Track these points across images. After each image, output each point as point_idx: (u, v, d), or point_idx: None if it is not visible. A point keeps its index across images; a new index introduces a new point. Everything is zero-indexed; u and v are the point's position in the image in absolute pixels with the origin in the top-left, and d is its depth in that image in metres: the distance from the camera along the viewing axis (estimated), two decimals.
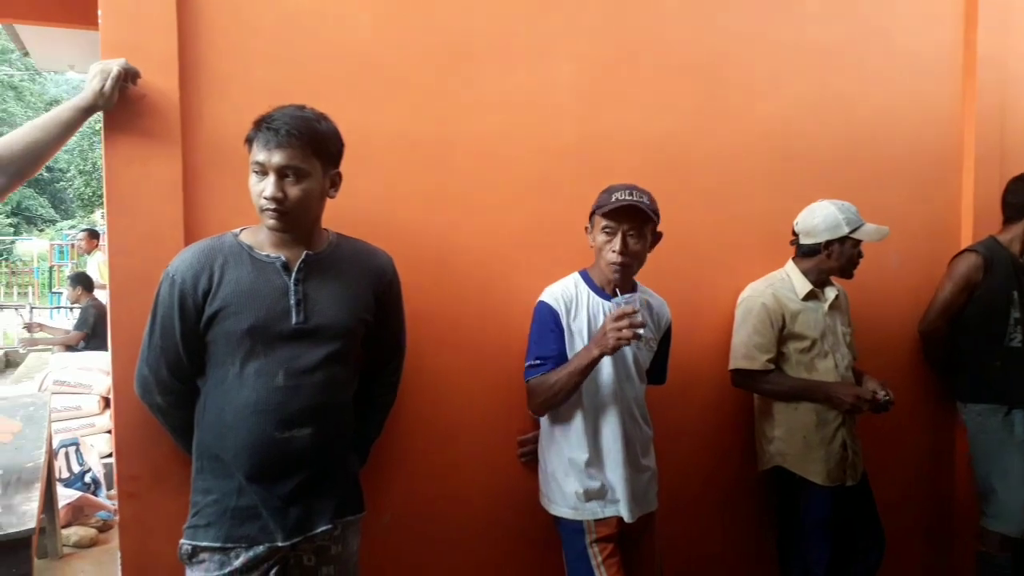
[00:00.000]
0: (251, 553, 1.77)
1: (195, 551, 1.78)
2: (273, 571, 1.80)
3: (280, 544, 1.78)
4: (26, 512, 2.09)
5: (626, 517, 2.19)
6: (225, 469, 1.79)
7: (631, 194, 2.12)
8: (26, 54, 10.01)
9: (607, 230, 2.15)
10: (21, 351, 6.57)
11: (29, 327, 7.37)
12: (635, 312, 2.02)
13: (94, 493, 4.24)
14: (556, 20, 2.47)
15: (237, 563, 1.77)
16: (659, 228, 2.20)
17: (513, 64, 2.41)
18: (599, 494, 2.20)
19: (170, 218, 1.96)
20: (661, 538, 2.36)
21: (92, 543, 3.88)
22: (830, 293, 2.70)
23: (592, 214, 2.21)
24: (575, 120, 2.50)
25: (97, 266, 8.53)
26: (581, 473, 2.20)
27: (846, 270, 2.66)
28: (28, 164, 1.79)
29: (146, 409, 1.88)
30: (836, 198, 2.65)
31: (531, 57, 2.43)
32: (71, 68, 11.69)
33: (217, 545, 1.77)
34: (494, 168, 2.40)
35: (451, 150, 2.34)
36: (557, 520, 2.27)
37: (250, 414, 1.75)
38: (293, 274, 1.81)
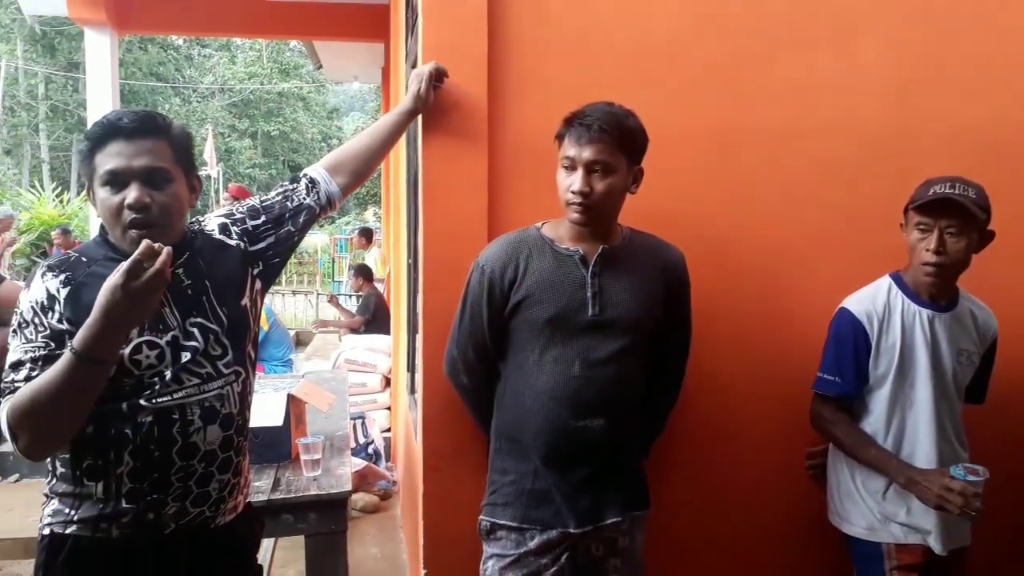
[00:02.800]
0: (545, 536, 1.83)
1: (493, 528, 1.88)
2: (564, 556, 1.85)
3: (572, 531, 1.83)
4: (342, 475, 2.34)
5: (936, 549, 1.98)
6: (522, 451, 1.87)
7: (952, 187, 1.90)
8: (319, 67, 11.33)
9: (921, 227, 1.95)
10: (314, 332, 7.39)
11: (331, 299, 8.30)
12: (976, 496, 1.85)
13: (375, 463, 4.66)
14: None
15: (532, 544, 1.83)
16: (990, 227, 1.96)
17: (814, 47, 2.27)
18: (903, 519, 2.00)
19: (476, 212, 2.08)
20: None
21: (375, 509, 4.27)
22: None
23: (906, 209, 2.02)
24: (881, 106, 2.30)
25: (375, 260, 9.40)
26: (880, 496, 2.02)
27: None
28: (363, 166, 1.99)
29: (451, 389, 2.02)
30: None
31: (835, 38, 2.27)
32: (355, 79, 13.03)
33: (514, 524, 1.85)
34: (788, 159, 2.28)
35: (743, 140, 2.25)
36: (849, 540, 2.10)
37: (547, 400, 1.82)
38: (590, 267, 1.84)
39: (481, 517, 1.91)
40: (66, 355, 1.34)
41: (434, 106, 2.04)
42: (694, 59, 2.22)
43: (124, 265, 1.31)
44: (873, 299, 2.04)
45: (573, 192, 1.78)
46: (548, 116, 1.94)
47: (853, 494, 2.08)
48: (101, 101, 7.14)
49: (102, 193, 1.49)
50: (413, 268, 3.84)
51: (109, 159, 1.48)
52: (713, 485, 2.29)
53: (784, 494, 2.32)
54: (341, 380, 3.81)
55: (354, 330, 7.06)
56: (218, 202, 10.79)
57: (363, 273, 7.77)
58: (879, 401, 2.04)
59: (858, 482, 2.07)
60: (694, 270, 2.04)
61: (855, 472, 2.08)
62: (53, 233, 9.65)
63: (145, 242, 1.33)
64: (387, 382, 5.44)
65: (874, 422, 2.05)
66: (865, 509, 2.05)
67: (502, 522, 1.87)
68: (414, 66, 3.48)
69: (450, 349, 1.98)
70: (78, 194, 16.84)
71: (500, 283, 1.86)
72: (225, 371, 1.59)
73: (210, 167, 13.10)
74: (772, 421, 2.30)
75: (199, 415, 1.53)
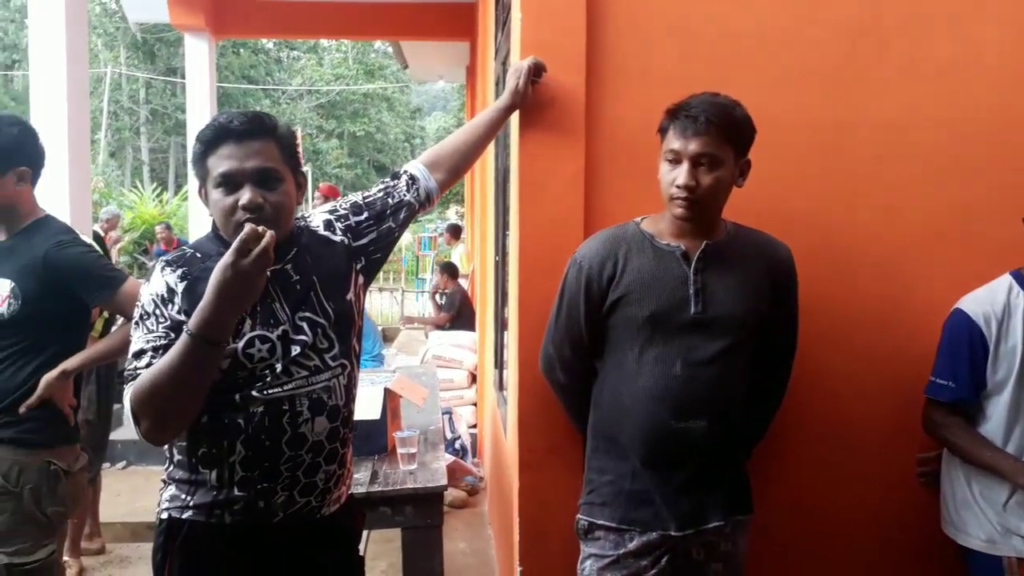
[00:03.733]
0: (644, 538, 1.80)
1: (591, 527, 1.86)
2: (664, 559, 1.81)
3: (672, 533, 1.79)
4: (437, 470, 2.36)
5: None
6: (620, 451, 1.84)
7: None
8: (405, 67, 11.52)
9: None
10: (402, 328, 7.51)
11: (406, 320, 8.51)
12: None
13: (462, 459, 4.70)
14: None
15: (631, 545, 1.80)
16: None
17: (929, 34, 2.15)
18: None
19: (573, 208, 2.06)
20: None
21: (463, 504, 4.31)
22: None
23: None
24: (998, 94, 2.17)
25: (459, 257, 9.51)
26: (1001, 507, 1.91)
27: None
28: (460, 162, 2.01)
29: (546, 386, 2.01)
30: None
31: (951, 24, 2.15)
32: (440, 78, 13.19)
33: (613, 525, 1.82)
34: (900, 151, 2.17)
35: (853, 132, 2.15)
36: (965, 552, 1.99)
37: (647, 400, 1.78)
38: (692, 263, 1.80)
39: (579, 516, 1.89)
40: (183, 338, 1.40)
41: (531, 101, 2.03)
42: (803, 48, 2.14)
43: (232, 247, 1.35)
44: (991, 300, 1.93)
45: (678, 186, 1.73)
46: (648, 109, 1.91)
47: (970, 503, 1.97)
48: (200, 103, 7.44)
49: (216, 195, 1.53)
50: (502, 265, 3.85)
51: (222, 162, 1.52)
52: (819, 490, 2.20)
53: (894, 500, 2.21)
54: (431, 375, 3.85)
55: (439, 326, 7.16)
56: (308, 201, 11.11)
57: (448, 270, 7.86)
58: (998, 407, 1.93)
59: (975, 491, 1.96)
60: (801, 266, 1.97)
61: (972, 480, 1.97)
62: (157, 228, 10.15)
63: (249, 225, 1.37)
64: (473, 378, 5.49)
65: (993, 429, 1.94)
66: (984, 520, 1.94)
67: (600, 522, 1.84)
68: (505, 63, 3.49)
69: (546, 346, 1.97)
70: (176, 193, 17.63)
71: (598, 280, 1.83)
72: (332, 364, 1.62)
73: None
74: (882, 423, 2.19)
75: (307, 406, 1.57)
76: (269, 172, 1.54)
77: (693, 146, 1.71)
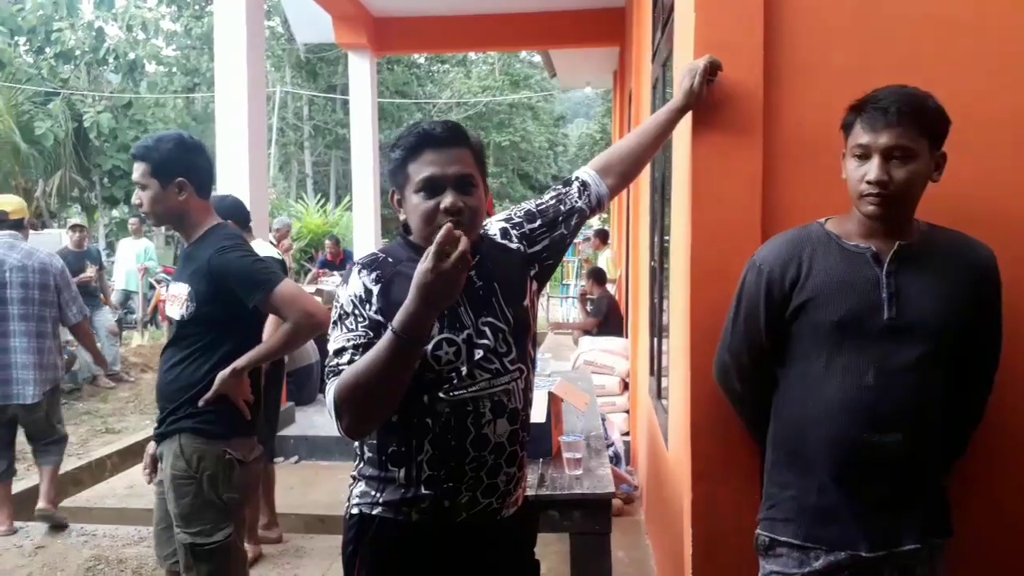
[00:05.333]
0: (831, 557, 1.70)
1: (772, 544, 1.78)
2: None
3: (863, 554, 1.68)
4: (604, 476, 2.34)
5: None
6: (804, 465, 1.75)
7: None
8: (553, 76, 11.63)
9: None
10: (550, 333, 7.56)
11: (554, 325, 8.57)
12: None
13: (615, 466, 4.65)
14: None
15: (817, 564, 1.71)
16: None
17: None
18: None
19: (749, 210, 2.00)
20: None
21: (618, 512, 4.25)
22: None
23: None
24: None
25: (606, 262, 9.46)
26: None
27: None
28: (631, 167, 2.00)
29: (719, 394, 1.95)
30: None
31: None
32: (588, 85, 13.22)
33: (796, 542, 1.74)
34: None
35: None
36: None
37: (836, 412, 1.68)
38: (885, 265, 1.69)
39: (758, 531, 1.81)
40: (386, 335, 1.45)
41: (705, 101, 1.98)
42: (1004, 35, 1.96)
43: (431, 250, 1.39)
44: None
45: (869, 182, 1.63)
46: (830, 106, 1.82)
47: None
48: (362, 117, 7.84)
49: (416, 199, 1.58)
50: (659, 271, 3.78)
51: (424, 167, 1.57)
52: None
53: None
54: (587, 380, 3.85)
55: (587, 331, 7.14)
56: None
57: (596, 275, 7.84)
58: None
59: None
60: (1004, 269, 1.80)
61: None
62: (327, 241, 10.77)
63: (446, 226, 1.40)
64: (625, 385, 5.43)
65: None
66: None
67: (783, 539, 1.76)
68: (665, 65, 3.43)
69: (721, 354, 1.91)
70: (337, 204, 18.63)
71: (780, 284, 1.75)
72: (511, 368, 1.64)
73: None
74: None
75: (489, 408, 1.60)
76: (467, 178, 1.59)
77: (884, 139, 1.61)
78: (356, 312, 1.58)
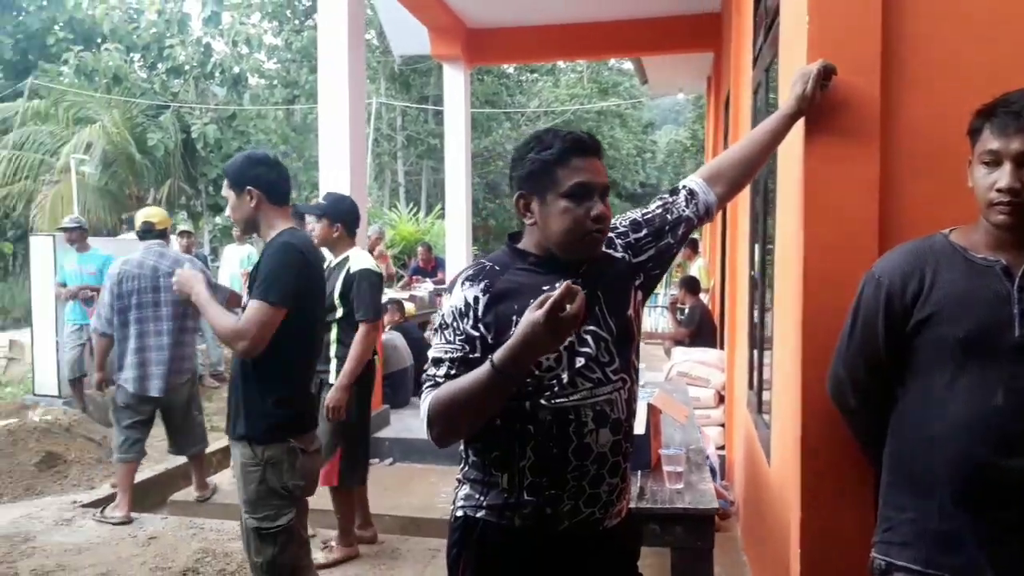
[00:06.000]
0: None
1: (889, 568, 1.69)
2: None
3: None
4: (706, 491, 2.29)
5: None
6: (925, 487, 1.66)
7: None
8: (645, 83, 11.51)
9: None
10: (643, 343, 7.40)
11: (646, 335, 8.42)
12: None
13: (712, 480, 4.54)
14: None
15: None
16: None
17: None
18: None
19: (865, 220, 1.92)
20: None
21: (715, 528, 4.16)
22: None
23: None
24: None
25: (699, 271, 9.29)
26: None
27: None
28: (742, 175, 1.96)
29: (832, 410, 1.87)
30: None
31: None
32: (680, 91, 13.04)
33: (916, 568, 1.65)
34: None
35: None
36: None
37: (961, 433, 1.60)
38: (1016, 280, 1.59)
39: (873, 555, 1.73)
40: (486, 365, 1.48)
41: (819, 107, 1.92)
42: None
43: (548, 303, 1.38)
44: None
45: (999, 190, 1.54)
46: (953, 111, 1.74)
47: None
48: (456, 126, 7.97)
49: (563, 203, 1.59)
50: (761, 281, 3.69)
51: (576, 173, 1.59)
52: None
53: None
54: (683, 392, 3.77)
55: (679, 341, 7.01)
56: None
57: (689, 285, 7.69)
58: None
59: None
60: None
61: None
62: (419, 249, 11.02)
63: (567, 283, 1.41)
64: (720, 398, 5.30)
65: None
66: None
67: (900, 563, 1.67)
68: (768, 69, 3.35)
69: (836, 368, 1.83)
70: (428, 213, 18.96)
71: (901, 297, 1.67)
72: (613, 378, 1.63)
73: None
74: None
75: (591, 417, 1.59)
76: (608, 187, 1.63)
77: (1016, 144, 1.52)
78: (455, 324, 1.60)
